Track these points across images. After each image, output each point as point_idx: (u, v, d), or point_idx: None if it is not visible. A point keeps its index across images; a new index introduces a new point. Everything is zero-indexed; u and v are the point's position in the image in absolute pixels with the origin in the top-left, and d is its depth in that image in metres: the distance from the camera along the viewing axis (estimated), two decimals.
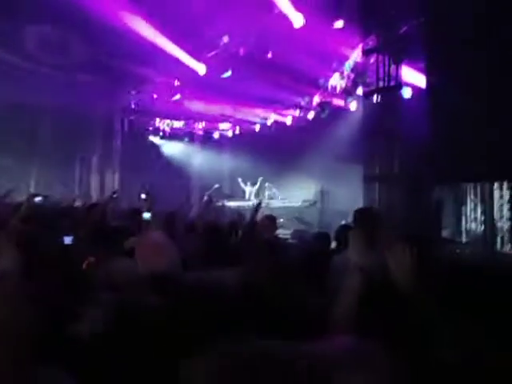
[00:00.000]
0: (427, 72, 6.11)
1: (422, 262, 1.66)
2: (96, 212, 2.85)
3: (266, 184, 11.71)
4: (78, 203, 8.66)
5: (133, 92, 12.41)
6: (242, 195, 12.68)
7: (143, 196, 3.87)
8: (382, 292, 1.44)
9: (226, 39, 9.11)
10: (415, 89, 8.09)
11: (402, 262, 1.36)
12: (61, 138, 11.55)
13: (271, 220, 3.65)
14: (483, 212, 7.65)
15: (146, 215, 3.16)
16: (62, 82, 10.26)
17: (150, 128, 13.79)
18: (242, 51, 8.88)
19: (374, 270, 1.46)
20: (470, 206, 7.91)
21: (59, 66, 10.43)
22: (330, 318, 1.34)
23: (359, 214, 2.43)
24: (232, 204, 12.56)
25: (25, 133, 11.02)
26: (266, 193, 11.84)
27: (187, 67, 10.21)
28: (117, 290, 1.59)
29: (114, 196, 4.23)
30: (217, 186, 13.05)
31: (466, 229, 7.64)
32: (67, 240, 2.62)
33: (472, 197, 7.96)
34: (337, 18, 7.40)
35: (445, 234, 6.77)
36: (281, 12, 7.81)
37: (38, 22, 9.19)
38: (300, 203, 10.53)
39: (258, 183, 12.34)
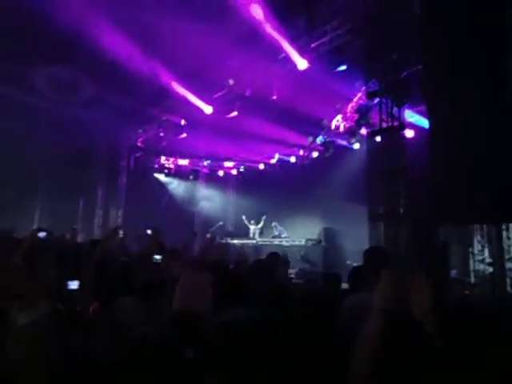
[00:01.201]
0: (428, 113, 6.23)
1: (441, 300, 1.62)
2: (99, 247, 2.81)
3: (273, 224, 11.64)
4: (79, 239, 8.63)
5: (139, 130, 12.69)
6: (246, 233, 12.60)
7: (149, 231, 3.85)
8: (402, 331, 1.41)
9: (231, 81, 9.42)
10: (418, 130, 8.26)
11: (424, 297, 1.35)
12: (66, 173, 11.67)
13: (285, 264, 3.59)
14: (491, 253, 7.54)
15: (157, 257, 3.14)
16: (70, 118, 10.50)
17: (156, 165, 13.97)
18: (247, 92, 9.15)
19: (396, 311, 1.44)
20: (477, 246, 7.82)
21: (67, 103, 10.73)
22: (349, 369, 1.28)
23: (372, 253, 2.37)
24: (236, 242, 12.46)
25: (30, 168, 11.16)
26: (271, 231, 11.75)
27: (194, 107, 10.49)
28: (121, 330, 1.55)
29: (119, 232, 4.20)
30: (220, 223, 13.01)
31: (473, 269, 7.50)
32: (72, 285, 2.52)
33: (479, 238, 7.88)
34: (340, 63, 7.67)
35: (452, 274, 6.63)
36: (285, 56, 8.13)
37: (48, 59, 9.53)
38: (304, 242, 10.43)
39: (263, 221, 12.29)
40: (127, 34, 8.51)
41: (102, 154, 13.16)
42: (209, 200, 14.68)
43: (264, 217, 12.24)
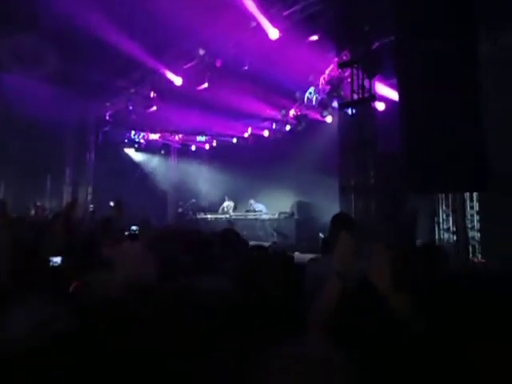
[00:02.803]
0: (399, 86, 6.28)
1: (401, 270, 1.66)
2: (60, 221, 2.72)
3: (250, 201, 11.63)
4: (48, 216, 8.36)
5: (107, 103, 12.22)
6: (219, 208, 12.58)
7: (111, 203, 3.81)
8: (359, 298, 1.43)
9: (201, 51, 9.13)
10: (388, 102, 8.34)
11: (383, 270, 1.36)
12: (32, 149, 11.20)
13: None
14: (455, 222, 7.85)
15: (134, 227, 3.11)
16: (35, 92, 9.99)
17: (126, 140, 13.58)
18: (218, 63, 8.91)
19: (353, 276, 1.46)
20: (442, 216, 8.12)
21: (31, 76, 10.17)
22: (308, 322, 1.30)
23: (337, 218, 2.42)
24: (210, 216, 12.44)
25: None
26: (248, 208, 11.76)
27: (163, 78, 10.16)
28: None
29: (76, 204, 4.13)
30: (193, 200, 12.93)
31: (439, 238, 7.81)
32: (56, 260, 2.46)
33: (444, 207, 8.18)
34: (312, 33, 7.55)
35: (418, 243, 6.87)
36: (257, 26, 7.92)
37: (10, 30, 8.96)
38: (277, 215, 10.52)
39: (227, 200, 12.34)
40: (93, 3, 8.05)
41: (68, 128, 12.64)
42: (181, 174, 14.49)
43: (226, 197, 12.33)
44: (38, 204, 9.30)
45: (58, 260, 2.50)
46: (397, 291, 1.31)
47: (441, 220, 7.99)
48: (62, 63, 9.85)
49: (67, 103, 10.96)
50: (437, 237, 7.93)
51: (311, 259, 2.45)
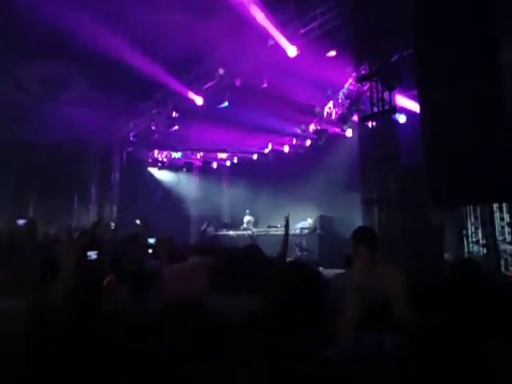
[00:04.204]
0: (419, 97, 6.22)
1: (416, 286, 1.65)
2: (84, 239, 2.83)
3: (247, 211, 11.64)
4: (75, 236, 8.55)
5: (131, 124, 12.58)
6: (240, 224, 12.61)
7: (137, 221, 3.91)
8: (376, 311, 1.44)
9: (221, 71, 9.33)
10: (409, 114, 8.26)
11: (396, 285, 1.39)
12: (60, 171, 11.59)
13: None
14: (484, 235, 7.60)
15: (151, 240, 3.19)
16: (62, 116, 10.40)
17: (149, 159, 13.89)
18: (237, 82, 9.07)
19: (372, 290, 1.47)
20: (470, 228, 7.87)
21: (56, 100, 10.60)
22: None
23: (357, 233, 2.38)
24: (232, 233, 12.48)
25: (23, 167, 11.07)
26: (267, 221, 11.76)
27: (185, 98, 10.41)
28: None
29: (101, 223, 4.27)
30: (205, 226, 12.94)
31: (468, 251, 7.56)
32: (92, 255, 2.63)
33: (472, 220, 7.94)
34: (330, 48, 7.61)
35: (447, 256, 6.67)
36: (275, 44, 8.05)
37: (36, 57, 9.41)
38: (299, 230, 10.45)
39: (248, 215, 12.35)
40: (115, 28, 8.41)
41: (94, 150, 13.05)
42: (203, 191, 14.65)
43: (247, 211, 12.33)
44: (70, 225, 9.59)
45: (93, 255, 2.65)
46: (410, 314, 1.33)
47: (469, 233, 7.75)
48: (87, 87, 10.26)
49: (93, 125, 11.33)
50: (466, 250, 7.69)
51: (337, 274, 2.42)
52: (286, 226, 3.69)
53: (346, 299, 1.36)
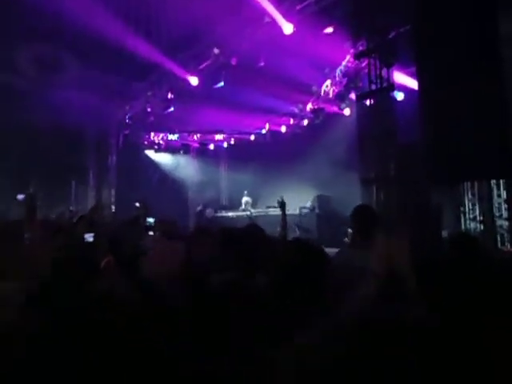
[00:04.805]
0: (418, 75, 6.15)
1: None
2: (83, 223, 2.85)
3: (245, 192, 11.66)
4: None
5: (126, 106, 12.44)
6: (238, 205, 12.64)
7: (137, 204, 3.93)
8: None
9: (216, 51, 9.16)
10: (407, 91, 8.17)
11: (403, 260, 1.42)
12: (57, 155, 11.50)
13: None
14: (482, 211, 7.66)
15: (150, 220, 3.23)
16: (57, 99, 10.26)
17: (145, 142, 13.79)
18: (233, 61, 8.92)
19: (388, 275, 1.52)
20: (468, 205, 7.93)
21: (51, 84, 10.44)
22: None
23: (356, 212, 2.37)
24: (230, 214, 12.52)
25: (18, 152, 10.97)
26: (266, 201, 11.80)
27: (180, 79, 10.26)
28: None
29: (100, 207, 4.30)
30: (199, 208, 12.90)
31: (465, 228, 7.63)
32: (89, 237, 2.67)
33: (470, 196, 7.98)
34: (327, 25, 7.47)
35: (445, 234, 6.73)
36: (271, 21, 7.89)
37: (30, 40, 9.22)
38: (298, 210, 10.49)
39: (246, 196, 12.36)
40: (107, 8, 8.20)
41: (90, 133, 12.94)
42: (201, 173, 14.63)
43: (245, 192, 12.34)
44: (72, 209, 9.61)
45: (90, 237, 2.69)
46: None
47: (467, 209, 7.81)
48: (81, 69, 10.08)
49: (89, 109, 11.20)
50: (463, 227, 7.75)
51: (338, 252, 2.44)
52: (282, 208, 3.71)
53: (357, 279, 1.41)
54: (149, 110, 11.68)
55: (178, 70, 10.13)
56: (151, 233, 3.79)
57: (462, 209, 7.86)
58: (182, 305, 1.38)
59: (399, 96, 8.16)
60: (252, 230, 2.53)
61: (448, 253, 2.79)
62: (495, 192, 7.62)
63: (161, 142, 13.92)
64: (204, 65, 9.66)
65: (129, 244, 2.55)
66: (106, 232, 2.78)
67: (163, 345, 1.16)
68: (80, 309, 1.24)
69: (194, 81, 10.07)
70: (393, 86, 6.54)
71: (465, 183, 7.63)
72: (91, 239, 2.68)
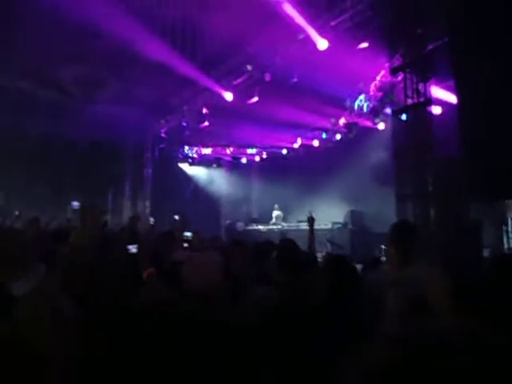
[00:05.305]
0: (456, 88, 6.00)
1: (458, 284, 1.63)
2: (126, 234, 2.94)
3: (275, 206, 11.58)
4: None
5: (162, 121, 12.84)
6: (269, 219, 12.63)
7: (176, 217, 4.01)
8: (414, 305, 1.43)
9: (249, 67, 9.32)
10: (445, 106, 7.97)
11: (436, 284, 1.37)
12: (93, 169, 11.97)
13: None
14: None
15: (188, 234, 3.29)
16: (95, 114, 10.72)
17: (180, 155, 14.13)
18: (267, 77, 9.05)
19: (409, 285, 1.47)
20: (511, 223, 7.56)
21: (91, 99, 10.96)
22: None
23: (395, 228, 2.31)
24: (261, 227, 12.52)
25: (59, 165, 11.50)
26: (297, 216, 11.72)
27: (215, 94, 10.50)
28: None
29: (139, 218, 4.42)
30: (228, 221, 12.87)
31: (508, 247, 7.27)
32: (132, 248, 2.74)
33: None
34: (362, 40, 7.46)
35: (486, 253, 6.44)
36: (305, 37, 7.97)
37: (71, 57, 9.72)
38: (330, 225, 10.36)
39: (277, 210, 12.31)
40: (145, 25, 8.57)
41: (127, 147, 13.41)
42: (233, 187, 14.77)
43: (276, 206, 12.29)
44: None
45: (134, 248, 2.75)
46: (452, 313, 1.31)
47: (510, 228, 7.45)
48: (121, 86, 10.54)
49: (127, 124, 11.63)
50: (506, 246, 7.38)
51: (372, 270, 2.40)
52: (310, 223, 3.69)
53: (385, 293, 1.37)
54: (184, 124, 11.99)
55: (212, 86, 10.39)
56: (186, 244, 3.86)
57: (504, 227, 7.50)
58: (225, 314, 1.40)
59: (437, 110, 7.97)
60: (287, 244, 2.54)
61: (488, 273, 2.66)
62: None
63: (195, 155, 14.22)
64: (238, 80, 9.86)
65: (169, 256, 2.61)
66: (147, 244, 2.85)
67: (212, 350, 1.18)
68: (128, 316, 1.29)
69: (228, 96, 10.29)
70: (430, 101, 6.42)
71: (508, 200, 7.30)
72: (134, 250, 2.74)
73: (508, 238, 7.44)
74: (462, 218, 6.18)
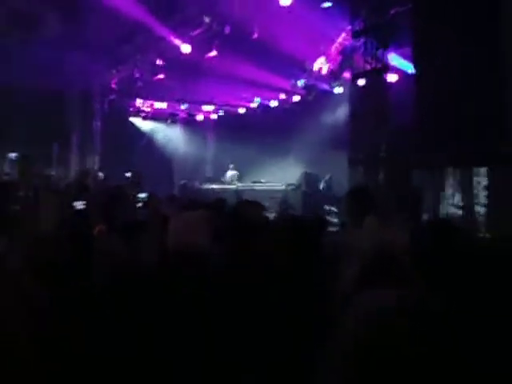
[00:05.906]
0: (414, 58, 6.12)
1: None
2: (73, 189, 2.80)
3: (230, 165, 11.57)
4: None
5: (113, 70, 12.01)
6: (224, 178, 12.59)
7: (128, 174, 3.87)
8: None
9: (207, 19, 8.83)
10: (401, 74, 8.14)
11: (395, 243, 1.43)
12: (36, 117, 11.09)
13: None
14: (463, 197, 7.84)
15: (142, 195, 3.19)
16: (36, 57, 9.78)
17: (131, 109, 13.43)
18: (227, 30, 8.66)
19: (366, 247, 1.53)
20: (448, 191, 8.10)
21: (32, 41, 9.92)
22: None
23: (356, 195, 2.38)
24: (216, 187, 12.47)
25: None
26: (252, 176, 11.78)
27: (171, 45, 9.90)
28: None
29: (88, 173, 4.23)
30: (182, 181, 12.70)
31: (445, 213, 7.82)
32: (79, 205, 2.62)
33: (451, 182, 8.14)
34: None
35: (424, 218, 6.90)
36: None
37: None
38: (284, 187, 10.54)
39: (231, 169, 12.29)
40: None
41: (73, 96, 12.47)
42: (187, 144, 14.44)
43: (231, 165, 12.24)
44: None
45: (80, 205, 2.63)
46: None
47: (447, 195, 7.98)
48: (65, 27, 9.61)
49: (70, 68, 10.75)
50: (441, 211, 7.93)
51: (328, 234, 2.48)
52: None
53: (350, 257, 1.42)
54: (136, 75, 11.31)
55: (168, 35, 9.75)
56: (140, 204, 3.76)
57: (442, 194, 8.02)
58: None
59: (393, 78, 8.13)
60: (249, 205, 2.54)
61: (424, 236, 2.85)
62: (475, 179, 7.78)
63: (148, 109, 13.59)
64: (196, 32, 9.33)
65: (120, 212, 2.52)
66: (97, 200, 2.72)
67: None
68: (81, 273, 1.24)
69: (185, 48, 9.71)
70: (387, 67, 6.51)
71: (447, 169, 7.76)
72: (81, 207, 2.61)
73: (444, 204, 7.99)
74: (406, 185, 6.53)
